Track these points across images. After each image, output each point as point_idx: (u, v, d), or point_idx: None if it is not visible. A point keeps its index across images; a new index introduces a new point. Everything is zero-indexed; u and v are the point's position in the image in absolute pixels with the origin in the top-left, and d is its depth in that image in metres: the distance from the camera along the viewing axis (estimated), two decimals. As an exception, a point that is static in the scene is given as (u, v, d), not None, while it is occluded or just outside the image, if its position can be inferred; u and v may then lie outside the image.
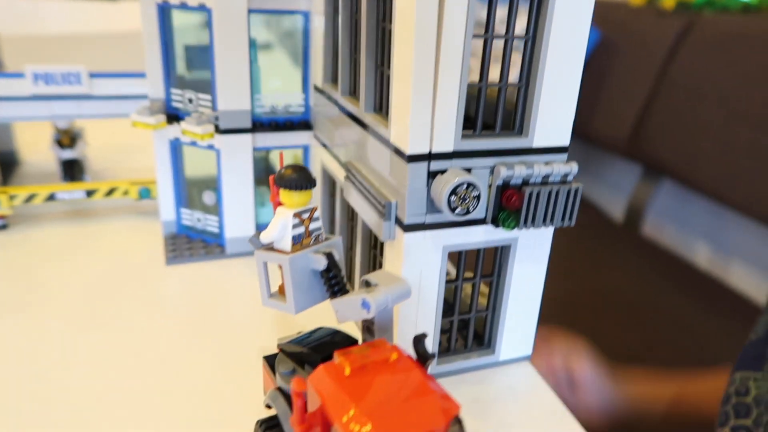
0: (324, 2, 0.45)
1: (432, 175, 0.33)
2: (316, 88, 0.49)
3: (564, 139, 0.35)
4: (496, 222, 0.35)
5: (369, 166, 0.38)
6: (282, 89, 0.51)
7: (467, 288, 0.42)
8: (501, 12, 0.33)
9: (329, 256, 0.30)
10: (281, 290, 0.32)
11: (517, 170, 0.34)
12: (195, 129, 0.46)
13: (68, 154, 0.63)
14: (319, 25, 0.47)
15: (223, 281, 0.49)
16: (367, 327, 0.30)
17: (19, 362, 0.39)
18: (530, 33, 0.33)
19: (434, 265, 0.36)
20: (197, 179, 0.56)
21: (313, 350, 0.31)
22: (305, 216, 0.31)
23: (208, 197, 0.52)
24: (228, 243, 0.52)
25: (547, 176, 0.35)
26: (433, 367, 0.38)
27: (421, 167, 0.33)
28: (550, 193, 0.34)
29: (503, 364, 0.41)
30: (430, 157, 0.33)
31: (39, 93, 0.54)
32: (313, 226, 0.31)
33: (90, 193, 0.57)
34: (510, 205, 0.34)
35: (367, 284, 0.30)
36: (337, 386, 0.26)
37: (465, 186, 0.32)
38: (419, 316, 0.37)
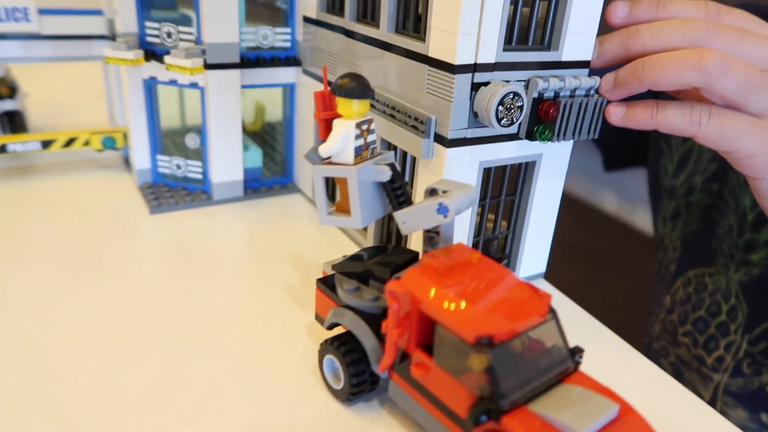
0: None
1: (475, 87, 0.33)
2: (307, 20, 0.47)
3: (588, 53, 0.37)
4: (531, 135, 0.35)
5: (393, 88, 0.38)
6: (266, 22, 0.49)
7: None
8: None
9: (392, 167, 0.30)
10: (340, 206, 0.30)
11: (552, 82, 0.34)
12: (184, 62, 0.43)
13: (8, 105, 0.57)
14: None
15: (213, 227, 0.47)
16: (430, 238, 0.30)
17: (18, 318, 0.35)
18: (562, -55, 0.34)
19: (472, 180, 0.36)
20: (171, 124, 0.52)
21: (378, 265, 0.30)
22: (364, 127, 0.30)
23: (191, 140, 0.49)
24: (215, 188, 0.49)
25: (575, 89, 0.36)
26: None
27: (466, 79, 0.33)
28: (581, 105, 0.35)
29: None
30: (474, 68, 0.33)
31: (-21, 30, 0.48)
32: (370, 138, 0.30)
33: (46, 144, 0.51)
34: (548, 117, 0.35)
35: (432, 193, 0.29)
36: (437, 284, 0.25)
37: (511, 96, 0.33)
38: (454, 235, 0.37)
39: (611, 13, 0.37)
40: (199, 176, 0.50)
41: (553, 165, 0.39)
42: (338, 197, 0.30)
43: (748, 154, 0.35)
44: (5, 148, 0.50)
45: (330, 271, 0.33)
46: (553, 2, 0.35)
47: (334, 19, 0.43)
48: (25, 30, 0.49)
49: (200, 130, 0.48)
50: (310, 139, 0.50)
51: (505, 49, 0.33)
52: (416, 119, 0.35)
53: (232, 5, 0.44)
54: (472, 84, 0.33)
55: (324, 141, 0.30)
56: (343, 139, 0.29)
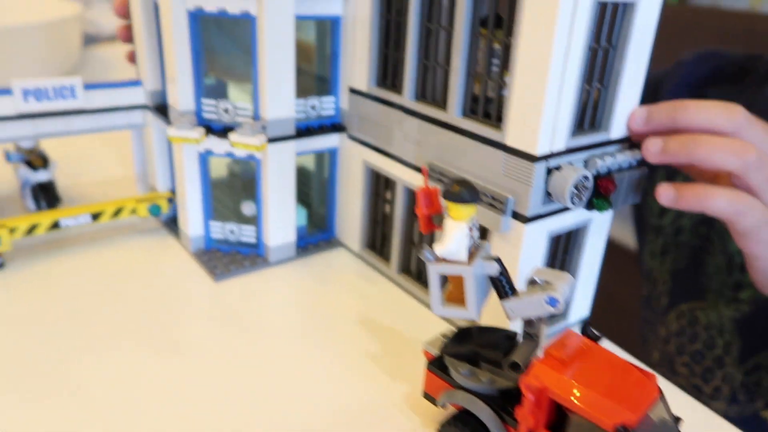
0: (371, 7, 0.46)
1: (548, 171, 0.38)
2: (355, 91, 0.50)
3: (624, 129, 0.42)
4: (590, 206, 0.40)
5: (462, 165, 0.42)
6: (313, 92, 0.51)
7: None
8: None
9: (499, 261, 0.33)
10: (451, 297, 0.34)
11: (607, 160, 0.40)
12: (251, 141, 0.45)
13: (42, 176, 0.57)
14: (360, 27, 0.48)
15: (277, 291, 0.49)
16: (529, 321, 0.34)
17: (120, 404, 0.37)
18: (614, 43, 0.39)
19: (543, 249, 0.40)
20: (221, 187, 0.54)
21: (487, 348, 0.34)
22: (472, 226, 0.33)
23: (248, 209, 0.51)
24: (270, 251, 0.52)
25: (623, 164, 0.41)
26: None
27: (543, 166, 0.37)
28: (631, 179, 0.41)
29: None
30: (549, 156, 0.37)
31: (28, 111, 0.48)
32: (475, 235, 0.34)
33: (96, 216, 0.52)
34: (607, 192, 0.40)
35: (533, 283, 0.33)
36: (565, 375, 0.29)
37: (582, 179, 0.37)
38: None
39: (632, 120, 0.41)
40: (253, 240, 0.52)
41: (600, 225, 0.44)
42: (449, 287, 0.34)
43: (759, 240, 0.41)
44: (59, 224, 0.51)
45: (433, 352, 0.36)
46: (606, 88, 0.40)
47: (388, 95, 0.47)
48: (71, 107, 0.50)
49: (254, 196, 0.51)
50: (355, 200, 0.53)
51: (572, 136, 0.38)
52: (494, 198, 0.39)
53: (290, 82, 0.47)
54: (547, 169, 0.37)
55: (423, 233, 0.34)
56: (457, 240, 0.32)
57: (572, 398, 0.28)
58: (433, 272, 0.33)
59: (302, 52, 0.51)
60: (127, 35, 0.57)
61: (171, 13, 0.45)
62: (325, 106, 0.52)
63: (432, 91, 0.44)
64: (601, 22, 0.37)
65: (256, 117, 0.48)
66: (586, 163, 0.40)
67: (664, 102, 0.41)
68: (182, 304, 0.47)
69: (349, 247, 0.56)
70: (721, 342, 0.64)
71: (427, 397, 0.37)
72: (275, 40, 0.45)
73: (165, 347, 0.42)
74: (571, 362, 0.30)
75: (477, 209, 0.33)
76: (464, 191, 0.32)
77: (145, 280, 0.49)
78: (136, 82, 0.54)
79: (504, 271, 0.33)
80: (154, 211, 0.54)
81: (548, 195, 0.38)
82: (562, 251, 0.44)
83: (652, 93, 0.72)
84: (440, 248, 0.33)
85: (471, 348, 0.35)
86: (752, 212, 0.39)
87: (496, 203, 0.39)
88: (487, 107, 0.40)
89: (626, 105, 0.41)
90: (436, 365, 0.36)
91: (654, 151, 0.40)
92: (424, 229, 0.34)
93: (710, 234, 0.65)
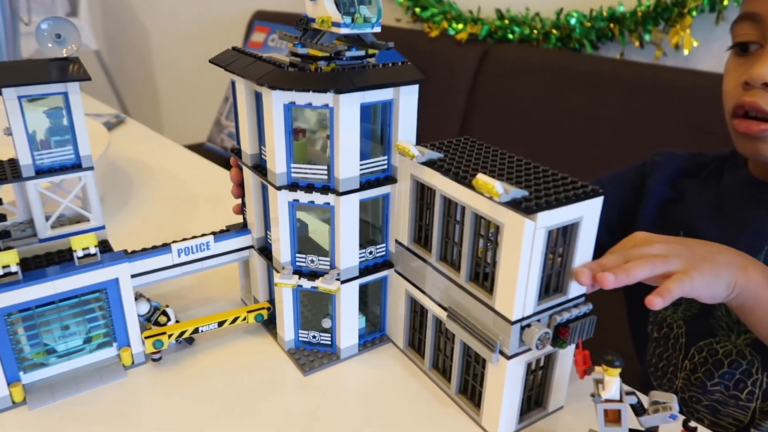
0: (410, 185, 0.67)
1: (521, 328, 0.59)
2: (398, 242, 0.72)
3: (583, 288, 0.62)
4: (553, 345, 0.61)
5: (470, 312, 0.63)
6: (374, 243, 0.74)
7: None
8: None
9: (635, 394, 0.54)
10: (610, 419, 0.54)
11: (564, 315, 0.60)
12: (330, 286, 0.68)
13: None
14: (404, 192, 0.69)
15: (356, 378, 0.72)
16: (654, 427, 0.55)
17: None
18: (568, 241, 0.59)
19: (521, 374, 0.61)
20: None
21: None
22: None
23: (326, 323, 0.74)
24: (342, 351, 0.74)
25: (577, 314, 0.61)
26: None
27: (518, 326, 0.58)
28: (581, 325, 0.61)
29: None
30: (522, 319, 0.58)
31: (179, 262, 0.73)
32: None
33: (221, 324, 0.76)
34: (563, 337, 0.60)
35: (654, 403, 0.53)
36: None
37: (544, 334, 0.58)
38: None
39: (579, 280, 0.59)
40: (329, 342, 0.75)
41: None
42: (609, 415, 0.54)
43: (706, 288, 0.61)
44: (198, 330, 0.75)
45: None
46: (564, 259, 0.60)
47: (422, 252, 0.69)
48: (204, 255, 0.74)
49: (330, 314, 0.74)
50: (400, 318, 0.75)
51: (538, 303, 0.59)
52: (488, 341, 0.60)
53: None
54: (521, 327, 0.58)
55: (581, 378, 0.56)
56: (615, 389, 0.53)
57: None
58: (600, 408, 0.53)
59: (364, 210, 0.73)
60: (238, 193, 0.80)
61: (277, 202, 0.68)
62: (378, 252, 0.74)
63: (451, 256, 0.66)
64: (555, 245, 0.58)
65: (332, 267, 0.70)
66: (549, 318, 0.60)
67: (587, 265, 0.60)
68: (278, 391, 0.70)
69: (396, 344, 0.78)
70: (744, 362, 0.83)
71: None
72: (347, 127, 0.62)
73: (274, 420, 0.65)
74: None
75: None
76: (616, 361, 0.52)
77: (255, 369, 0.73)
78: (247, 231, 0.77)
79: (639, 400, 0.54)
80: (259, 318, 0.78)
81: (522, 342, 0.59)
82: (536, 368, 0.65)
83: (639, 186, 0.97)
84: (605, 394, 0.53)
85: None
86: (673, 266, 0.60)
87: (490, 344, 0.60)
88: (485, 279, 0.62)
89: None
90: None
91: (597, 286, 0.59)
92: (581, 376, 0.56)
93: None
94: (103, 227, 0.79)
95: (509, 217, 0.55)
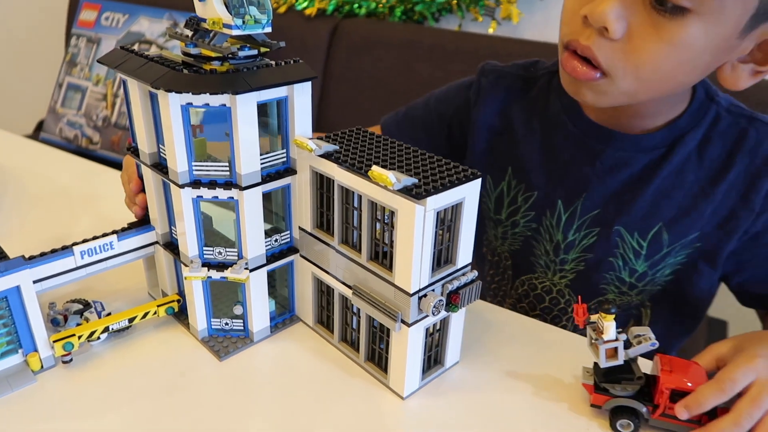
0: (309, 176, 0.72)
1: (419, 298, 0.66)
2: (302, 228, 0.77)
3: (468, 258, 0.71)
4: (447, 309, 0.69)
5: (372, 288, 0.69)
6: (278, 229, 0.78)
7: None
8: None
9: (623, 332, 0.64)
10: (609, 354, 0.63)
11: (455, 283, 0.68)
12: (239, 275, 0.72)
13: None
14: (304, 183, 0.74)
15: (270, 357, 0.76)
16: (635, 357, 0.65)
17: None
18: (453, 219, 0.67)
19: (422, 337, 0.69)
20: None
21: (619, 373, 0.64)
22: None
23: (237, 309, 0.78)
24: (254, 335, 0.78)
25: (466, 281, 0.70)
26: (418, 383, 0.72)
27: (416, 297, 0.65)
28: (469, 291, 0.70)
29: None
30: (418, 290, 0.66)
31: (82, 264, 0.73)
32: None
33: (132, 320, 0.77)
34: (455, 302, 0.69)
35: (636, 336, 0.64)
36: (674, 376, 0.63)
37: (438, 301, 0.66)
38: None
39: (682, 414, 0.61)
40: (241, 328, 0.79)
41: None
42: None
43: None
44: (109, 328, 0.75)
45: (589, 382, 0.66)
46: (452, 235, 0.68)
47: (324, 237, 0.74)
48: (108, 255, 0.75)
49: (241, 301, 0.77)
50: (307, 296, 0.80)
51: (432, 275, 0.66)
52: (391, 311, 0.67)
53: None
54: (418, 298, 0.66)
55: (581, 327, 0.63)
56: (613, 330, 0.63)
57: (678, 383, 0.61)
58: (602, 348, 0.62)
59: (267, 200, 0.76)
60: (143, 205, 0.80)
61: (181, 199, 0.70)
62: (283, 239, 0.78)
63: (351, 239, 0.72)
64: (443, 223, 0.65)
65: (239, 256, 0.74)
66: (442, 287, 0.68)
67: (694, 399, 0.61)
68: (195, 378, 0.73)
69: (306, 322, 0.83)
70: (562, 300, 0.95)
71: (594, 406, 0.66)
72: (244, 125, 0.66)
73: (191, 410, 0.68)
74: (672, 369, 0.63)
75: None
76: (612, 308, 0.62)
77: (170, 361, 0.75)
78: (150, 227, 0.78)
79: (628, 340, 0.63)
80: (170, 311, 0.80)
81: (420, 310, 0.67)
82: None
83: (465, 110, 0.99)
84: (605, 336, 0.62)
85: (613, 376, 0.65)
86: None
87: (392, 315, 0.67)
88: (384, 258, 0.68)
89: (466, 242, 0.69)
90: (597, 388, 0.65)
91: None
92: (582, 325, 0.65)
93: (539, 227, 0.93)
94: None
95: (402, 203, 0.61)
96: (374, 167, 0.61)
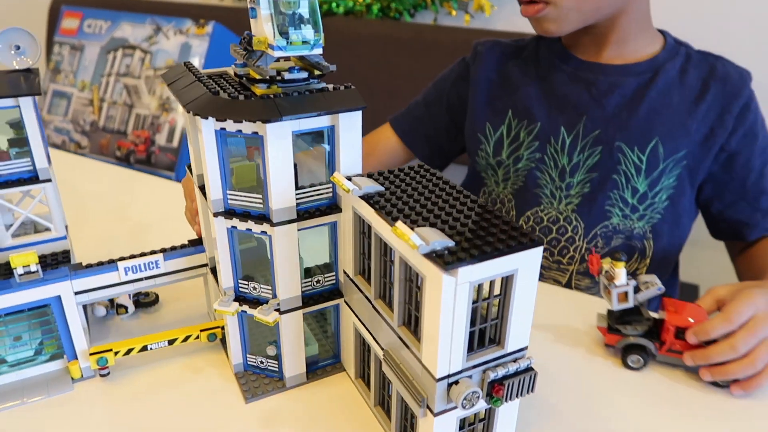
0: (351, 216, 0.63)
1: (449, 384, 0.54)
2: (345, 273, 0.68)
3: (525, 341, 0.57)
4: (488, 402, 0.56)
5: (403, 358, 0.59)
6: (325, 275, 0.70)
7: None
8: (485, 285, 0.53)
9: (633, 278, 0.72)
10: (621, 298, 0.70)
11: (500, 371, 0.55)
12: (268, 317, 0.65)
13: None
14: (347, 222, 0.65)
15: (296, 410, 0.69)
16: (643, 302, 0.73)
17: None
18: (503, 293, 0.54)
19: (453, 429, 0.57)
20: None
21: (629, 315, 0.73)
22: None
23: (270, 350, 0.72)
24: (288, 380, 0.72)
25: (516, 369, 0.56)
26: None
27: (444, 383, 0.54)
28: (520, 381, 0.56)
29: None
30: (448, 375, 0.54)
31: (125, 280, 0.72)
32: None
33: (171, 342, 0.75)
34: (497, 394, 0.55)
35: (645, 282, 0.72)
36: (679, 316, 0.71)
37: (472, 393, 0.54)
38: None
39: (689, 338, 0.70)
40: (276, 369, 0.73)
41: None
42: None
43: None
44: (147, 348, 0.74)
45: (604, 324, 0.74)
46: (500, 311, 0.55)
47: (363, 285, 0.65)
48: (153, 274, 0.73)
49: (275, 342, 0.71)
50: (350, 333, 0.71)
51: (468, 358, 0.54)
52: (416, 391, 0.56)
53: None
54: (448, 384, 0.54)
55: (595, 275, 0.54)
56: (624, 276, 0.70)
57: (683, 322, 0.70)
58: (615, 292, 0.66)
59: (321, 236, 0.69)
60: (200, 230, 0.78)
61: (216, 227, 0.65)
62: (327, 280, 0.70)
63: (388, 295, 0.61)
64: (488, 296, 0.52)
65: (273, 296, 0.67)
66: (483, 373, 0.55)
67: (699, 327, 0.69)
68: (224, 416, 0.68)
69: (349, 374, 0.75)
70: (569, 228, 0.98)
71: (608, 345, 0.74)
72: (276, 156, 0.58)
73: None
74: (677, 310, 0.71)
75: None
76: (622, 257, 0.69)
77: (201, 392, 0.71)
78: (201, 248, 0.75)
79: (637, 286, 0.70)
80: (212, 337, 0.76)
81: (449, 399, 0.55)
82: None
83: (465, 76, 1.11)
84: (617, 281, 0.67)
85: (624, 318, 0.73)
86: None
87: (417, 398, 0.56)
88: (416, 325, 0.57)
89: (519, 325, 0.55)
90: (610, 329, 0.74)
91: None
92: (597, 274, 0.72)
93: (543, 156, 0.99)
94: (64, 237, 0.79)
95: (429, 269, 0.50)
96: (398, 223, 0.51)
